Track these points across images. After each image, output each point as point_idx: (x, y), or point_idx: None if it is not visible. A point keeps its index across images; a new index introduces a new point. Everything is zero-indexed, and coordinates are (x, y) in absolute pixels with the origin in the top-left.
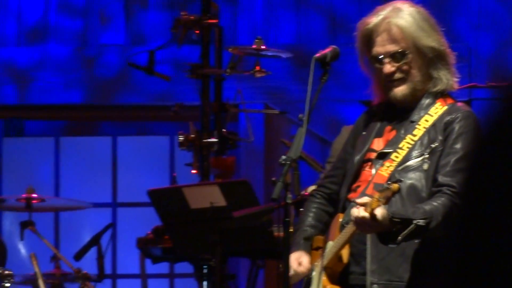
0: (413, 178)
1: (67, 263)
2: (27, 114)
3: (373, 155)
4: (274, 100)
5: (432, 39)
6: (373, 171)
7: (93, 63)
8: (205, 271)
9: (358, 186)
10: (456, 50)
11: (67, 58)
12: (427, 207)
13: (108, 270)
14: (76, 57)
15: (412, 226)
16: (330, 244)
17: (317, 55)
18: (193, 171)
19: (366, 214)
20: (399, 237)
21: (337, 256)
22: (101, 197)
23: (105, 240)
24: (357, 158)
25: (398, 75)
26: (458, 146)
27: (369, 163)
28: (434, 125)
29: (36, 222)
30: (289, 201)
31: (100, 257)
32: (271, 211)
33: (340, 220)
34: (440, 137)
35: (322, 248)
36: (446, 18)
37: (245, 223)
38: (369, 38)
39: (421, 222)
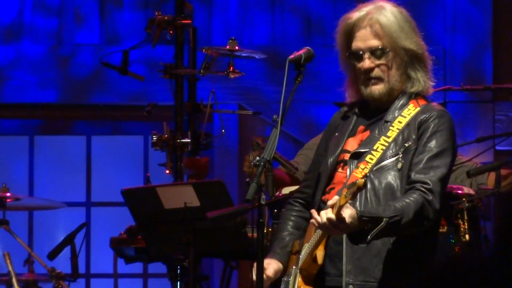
0: (388, 178)
1: (41, 263)
2: (1, 113)
3: (347, 156)
4: (248, 101)
5: (411, 41)
6: (348, 172)
7: (68, 62)
8: (178, 271)
9: (332, 188)
10: (431, 53)
11: (41, 57)
12: (398, 204)
13: (82, 269)
14: (50, 56)
15: (382, 223)
16: (306, 246)
17: (292, 56)
18: (167, 171)
19: (333, 216)
20: (369, 236)
21: (312, 257)
22: (75, 197)
23: (79, 239)
24: (330, 159)
25: (376, 73)
26: (431, 144)
27: (342, 164)
28: (408, 125)
29: (10, 221)
30: (263, 202)
31: (74, 257)
32: (245, 212)
33: None
34: (413, 136)
35: (299, 251)
36: (421, 20)
37: (219, 224)
38: (350, 33)
39: (391, 219)
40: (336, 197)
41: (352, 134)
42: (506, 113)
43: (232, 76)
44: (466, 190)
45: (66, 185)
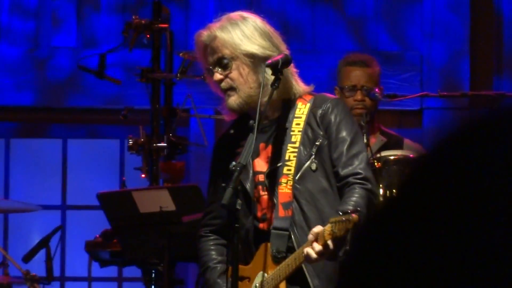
0: (315, 181)
1: (16, 265)
2: None
3: (262, 177)
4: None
5: (254, 45)
6: (275, 191)
7: (45, 65)
8: (153, 275)
9: (265, 214)
10: (408, 59)
11: (18, 60)
12: (348, 207)
13: (56, 272)
14: (27, 59)
15: (349, 231)
16: (261, 274)
17: (269, 61)
18: (143, 175)
19: (321, 248)
20: (346, 247)
21: None
22: (51, 200)
23: (54, 242)
24: (248, 185)
25: (225, 84)
26: (343, 134)
27: (261, 187)
28: (307, 123)
29: None
30: (239, 207)
31: (48, 260)
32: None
33: (271, 250)
34: (321, 132)
35: (249, 278)
36: (399, 27)
37: (194, 228)
38: (205, 52)
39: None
40: (317, 229)
41: (256, 154)
42: None
43: None
44: None
45: (42, 188)
